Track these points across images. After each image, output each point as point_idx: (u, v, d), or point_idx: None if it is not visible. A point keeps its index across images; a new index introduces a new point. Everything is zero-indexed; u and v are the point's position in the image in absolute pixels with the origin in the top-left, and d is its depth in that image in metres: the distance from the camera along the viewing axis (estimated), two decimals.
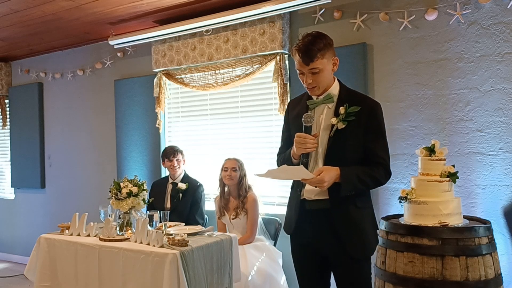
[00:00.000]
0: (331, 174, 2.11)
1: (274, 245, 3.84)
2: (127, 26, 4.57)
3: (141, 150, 4.87)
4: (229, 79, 4.23)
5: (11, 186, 6.13)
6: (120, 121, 5.03)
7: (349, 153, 2.19)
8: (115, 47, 4.82)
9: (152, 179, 4.53)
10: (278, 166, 2.41)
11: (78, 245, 3.10)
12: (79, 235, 3.22)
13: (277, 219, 3.92)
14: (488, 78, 3.15)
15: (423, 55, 3.38)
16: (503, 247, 3.07)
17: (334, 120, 2.19)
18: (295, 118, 2.33)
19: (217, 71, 4.30)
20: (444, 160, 2.89)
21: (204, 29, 4.21)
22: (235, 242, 3.16)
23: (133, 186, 3.16)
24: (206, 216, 4.19)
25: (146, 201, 3.25)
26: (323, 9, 3.76)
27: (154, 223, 3.05)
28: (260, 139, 4.25)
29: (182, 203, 4.08)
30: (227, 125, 4.43)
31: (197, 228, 3.32)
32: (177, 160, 4.16)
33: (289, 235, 2.44)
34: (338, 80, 2.32)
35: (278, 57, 3.91)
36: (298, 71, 2.26)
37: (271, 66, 3.98)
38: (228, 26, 4.13)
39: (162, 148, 4.59)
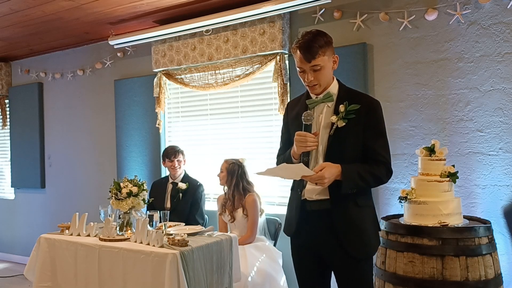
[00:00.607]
0: (332, 171, 2.10)
1: (274, 245, 3.84)
2: (127, 26, 4.58)
3: (141, 150, 4.87)
4: (229, 79, 4.23)
5: (11, 186, 6.13)
6: (120, 121, 5.03)
7: (349, 151, 2.18)
8: (115, 47, 4.82)
9: (152, 179, 4.53)
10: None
11: (78, 245, 3.10)
12: (79, 235, 3.22)
13: (277, 219, 3.92)
14: (488, 78, 3.15)
15: (423, 55, 3.38)
16: (503, 247, 3.07)
17: (334, 118, 2.18)
18: (295, 118, 2.33)
19: (217, 71, 4.30)
20: (444, 160, 2.90)
21: (204, 29, 4.21)
22: (235, 242, 3.15)
23: (133, 186, 3.16)
24: (206, 216, 4.19)
25: (146, 201, 3.25)
26: (323, 9, 3.76)
27: (154, 223, 3.05)
28: (260, 139, 4.25)
29: (182, 203, 4.08)
30: (227, 125, 4.43)
31: (197, 228, 3.32)
32: (177, 160, 4.16)
33: (289, 236, 2.43)
34: (337, 79, 2.32)
35: (278, 57, 3.91)
36: (298, 69, 2.26)
37: (271, 66, 3.98)
38: (228, 26, 4.13)
39: (162, 148, 4.59)
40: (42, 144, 5.81)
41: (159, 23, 4.46)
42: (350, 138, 2.18)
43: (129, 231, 3.14)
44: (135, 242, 2.95)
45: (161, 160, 4.35)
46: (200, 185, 4.17)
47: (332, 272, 2.34)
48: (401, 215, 3.02)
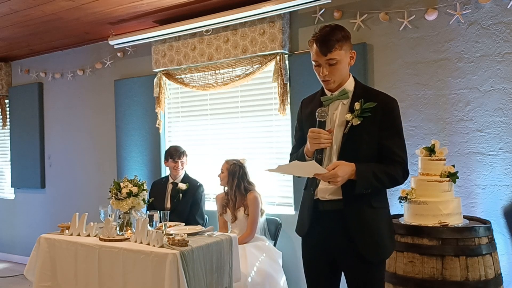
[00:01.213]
0: (346, 169, 2.04)
1: (274, 245, 3.84)
2: (127, 26, 4.57)
3: (141, 150, 4.87)
4: (229, 79, 4.23)
5: (11, 186, 6.13)
6: (120, 121, 5.03)
7: (364, 150, 2.12)
8: (115, 47, 4.82)
9: (152, 179, 4.53)
10: None
11: (78, 245, 3.10)
12: (79, 235, 3.22)
13: (277, 219, 3.93)
14: (488, 78, 3.15)
15: (423, 55, 3.38)
16: (503, 247, 3.07)
17: (349, 116, 2.12)
18: (309, 116, 2.27)
19: (217, 71, 4.30)
20: (444, 160, 2.90)
21: (204, 29, 4.21)
22: (235, 242, 3.15)
23: (133, 186, 3.16)
24: (206, 216, 4.19)
25: (146, 201, 3.25)
26: (323, 9, 3.76)
27: (154, 223, 3.05)
28: (260, 139, 4.24)
29: (182, 203, 4.08)
30: (227, 125, 4.43)
31: (197, 228, 3.32)
32: (181, 162, 4.16)
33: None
34: (353, 76, 2.24)
35: (278, 57, 3.91)
36: (314, 62, 2.16)
37: (271, 66, 3.98)
38: (228, 26, 4.13)
39: (162, 148, 4.60)
40: (42, 144, 5.81)
41: (159, 23, 4.46)
42: (365, 137, 2.11)
43: (129, 231, 3.14)
44: (135, 242, 2.95)
45: (163, 159, 4.34)
46: (200, 185, 4.17)
47: (343, 274, 2.27)
48: (401, 215, 3.02)
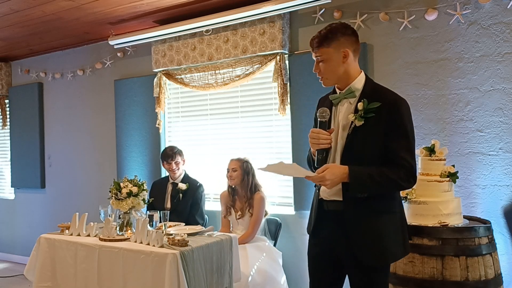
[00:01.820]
0: (335, 172, 2.00)
1: (274, 245, 3.84)
2: (127, 26, 4.57)
3: (141, 150, 4.87)
4: (229, 79, 4.23)
5: (11, 186, 6.12)
6: (120, 121, 5.03)
7: (368, 152, 2.05)
8: (115, 47, 4.82)
9: (152, 179, 4.53)
10: (309, 165, 2.32)
11: (78, 245, 3.10)
12: (79, 235, 3.22)
13: (277, 219, 3.93)
14: (488, 78, 3.15)
15: (423, 55, 3.38)
16: (503, 247, 3.07)
17: (351, 117, 2.07)
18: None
19: (217, 71, 4.30)
20: (444, 160, 2.90)
21: (204, 29, 4.21)
22: (235, 242, 3.15)
23: (133, 186, 3.16)
24: (206, 216, 4.19)
25: (146, 201, 3.25)
26: (323, 9, 3.76)
27: (154, 223, 3.05)
28: (260, 139, 4.24)
29: (182, 203, 4.08)
30: (227, 125, 4.43)
31: (197, 228, 3.32)
32: (175, 163, 4.16)
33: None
34: (365, 74, 2.19)
35: (278, 57, 3.91)
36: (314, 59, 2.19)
37: (271, 66, 3.98)
38: (228, 26, 4.13)
39: (162, 148, 4.59)
40: (42, 144, 5.81)
41: (159, 23, 4.46)
42: (369, 138, 2.04)
43: (129, 231, 3.14)
44: (135, 242, 2.95)
45: (160, 162, 4.35)
46: (200, 185, 4.17)
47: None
48: None
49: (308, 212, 2.40)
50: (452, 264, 2.59)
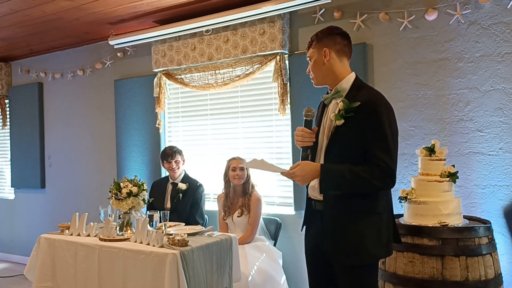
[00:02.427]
0: (306, 169, 2.07)
1: (274, 245, 3.84)
2: (127, 26, 4.58)
3: (141, 150, 4.87)
4: (229, 79, 4.23)
5: (11, 186, 6.13)
6: (120, 121, 5.03)
7: (348, 151, 2.08)
8: (115, 47, 4.82)
9: (152, 179, 4.53)
10: None
11: (78, 245, 3.10)
12: (79, 235, 3.22)
13: (277, 219, 3.93)
14: (488, 78, 3.15)
15: (423, 55, 3.38)
16: (503, 247, 3.07)
17: (333, 116, 2.12)
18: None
19: (217, 71, 4.30)
20: (444, 160, 2.90)
21: (204, 29, 4.21)
22: (235, 242, 3.15)
23: (133, 186, 3.16)
24: (206, 216, 4.19)
25: (146, 201, 3.25)
26: (323, 9, 3.76)
27: (154, 223, 3.05)
28: (260, 139, 4.24)
29: (182, 203, 4.07)
30: (227, 125, 4.43)
31: (197, 228, 3.32)
32: (175, 161, 4.16)
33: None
34: (356, 75, 2.22)
35: (278, 57, 3.91)
36: None
37: (271, 66, 3.98)
38: (228, 26, 4.13)
39: (162, 148, 4.59)
40: (42, 144, 5.81)
41: (159, 23, 4.46)
42: (349, 138, 2.08)
43: (129, 231, 3.14)
44: (135, 242, 2.95)
45: (160, 161, 4.35)
46: (200, 185, 4.17)
47: None
48: (401, 215, 3.02)
49: None
50: (452, 264, 2.59)
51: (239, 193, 3.82)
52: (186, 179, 4.19)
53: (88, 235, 3.19)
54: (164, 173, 4.63)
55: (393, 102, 3.44)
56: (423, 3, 3.36)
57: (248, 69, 4.10)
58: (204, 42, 4.31)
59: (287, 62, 3.94)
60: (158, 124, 4.71)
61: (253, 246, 3.61)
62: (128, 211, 3.15)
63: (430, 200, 2.77)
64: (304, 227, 2.36)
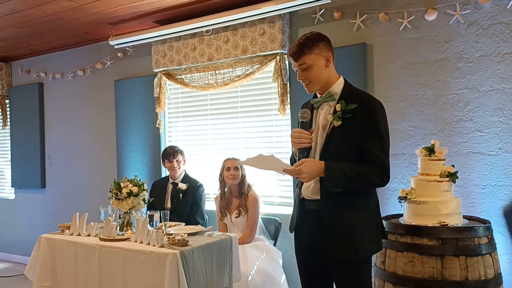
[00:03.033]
0: (312, 165, 2.10)
1: (274, 245, 3.84)
2: (127, 26, 4.58)
3: (141, 150, 4.88)
4: (229, 79, 4.23)
5: (11, 186, 6.13)
6: (120, 121, 5.04)
7: (344, 151, 2.15)
8: (116, 47, 4.82)
9: (152, 179, 4.53)
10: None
11: (78, 245, 3.10)
12: (79, 235, 3.23)
13: (277, 219, 3.93)
14: (487, 78, 3.15)
15: (423, 55, 3.38)
16: (503, 247, 3.07)
17: (330, 117, 2.19)
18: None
19: (217, 71, 4.30)
20: (444, 160, 2.90)
21: (204, 29, 4.21)
22: (235, 242, 3.16)
23: (133, 186, 3.16)
24: (206, 216, 4.20)
25: (146, 201, 3.26)
26: (323, 9, 3.76)
27: (154, 223, 3.05)
28: (260, 139, 4.25)
29: (182, 203, 4.08)
30: (227, 125, 4.44)
31: (197, 228, 3.32)
32: (177, 161, 4.17)
33: (292, 235, 2.45)
34: (344, 78, 2.30)
35: (278, 57, 3.91)
36: (295, 70, 2.29)
37: (271, 66, 3.98)
38: (228, 26, 4.13)
39: (162, 148, 4.60)
40: (42, 144, 5.81)
41: (159, 23, 4.46)
42: (346, 138, 2.15)
43: (129, 231, 3.14)
44: (135, 242, 2.95)
45: (161, 161, 4.35)
46: (200, 185, 4.17)
47: None
48: (401, 215, 3.02)
49: None
50: (452, 264, 2.59)
51: (235, 193, 3.82)
52: (186, 179, 4.20)
53: (89, 235, 3.20)
54: (165, 173, 4.63)
55: (393, 102, 3.48)
56: (423, 3, 3.36)
57: (248, 69, 4.11)
58: (204, 42, 4.32)
59: (287, 62, 3.94)
60: (158, 124, 4.71)
61: (253, 246, 3.62)
62: (128, 211, 3.15)
63: (430, 200, 2.78)
64: (294, 228, 2.38)
